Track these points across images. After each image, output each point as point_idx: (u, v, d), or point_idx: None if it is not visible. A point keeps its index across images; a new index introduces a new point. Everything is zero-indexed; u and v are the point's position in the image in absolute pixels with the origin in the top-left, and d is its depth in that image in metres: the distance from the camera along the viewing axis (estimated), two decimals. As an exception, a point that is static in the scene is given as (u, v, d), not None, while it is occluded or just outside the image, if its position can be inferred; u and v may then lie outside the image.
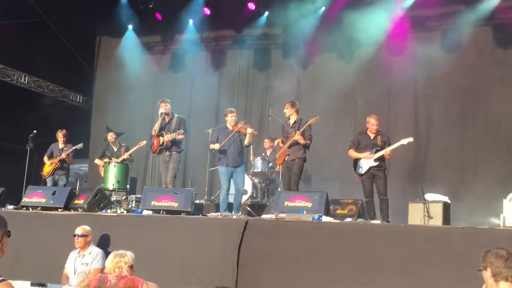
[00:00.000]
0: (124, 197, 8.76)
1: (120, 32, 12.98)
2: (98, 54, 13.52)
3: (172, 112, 8.85)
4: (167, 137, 8.38)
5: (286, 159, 7.85)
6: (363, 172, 7.67)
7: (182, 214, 6.88)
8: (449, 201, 7.74)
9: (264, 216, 6.46)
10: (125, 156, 9.42)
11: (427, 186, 9.90)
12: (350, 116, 11.05)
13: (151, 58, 12.98)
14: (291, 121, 8.03)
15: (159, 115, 8.57)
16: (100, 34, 13.48)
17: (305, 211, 6.18)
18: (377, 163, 7.57)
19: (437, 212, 7.50)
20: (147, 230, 6.37)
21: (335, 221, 6.08)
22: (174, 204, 7.01)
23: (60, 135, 9.92)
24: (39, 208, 7.74)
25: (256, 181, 9.67)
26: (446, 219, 7.52)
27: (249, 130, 8.15)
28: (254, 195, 9.65)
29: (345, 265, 5.19)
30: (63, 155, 9.65)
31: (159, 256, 5.84)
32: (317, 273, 5.29)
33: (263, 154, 10.29)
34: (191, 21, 12.44)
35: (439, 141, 10.18)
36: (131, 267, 4.38)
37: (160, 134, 8.53)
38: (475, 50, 10.10)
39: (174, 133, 8.39)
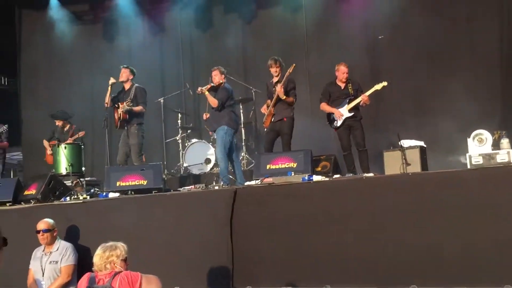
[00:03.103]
0: (75, 182, 7.93)
1: (42, 2, 11.74)
2: (19, 29, 12.23)
3: (131, 81, 7.99)
4: (121, 109, 7.56)
5: (272, 120, 7.27)
6: (338, 125, 7.28)
7: (153, 192, 6.21)
8: (425, 145, 7.52)
9: (247, 183, 5.92)
10: (70, 141, 8.50)
11: (391, 132, 9.82)
12: (303, 68, 10.59)
13: (81, 29, 11.88)
14: (275, 80, 7.44)
15: (110, 86, 7.69)
16: (19, 7, 12.17)
17: (293, 173, 5.69)
18: (352, 113, 7.19)
19: (414, 158, 7.23)
20: (119, 214, 5.67)
21: (327, 179, 5.63)
22: (143, 182, 6.31)
23: None
24: (-17, 204, 6.82)
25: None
26: (424, 164, 7.29)
27: (198, 90, 7.50)
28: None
29: (351, 224, 4.77)
30: None
31: (141, 242, 5.18)
32: (320, 236, 4.85)
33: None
34: (121, -16, 11.42)
35: (397, 86, 9.91)
36: (124, 260, 3.73)
37: (118, 106, 7.71)
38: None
39: (126, 104, 7.60)
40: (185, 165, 9.21)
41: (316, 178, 5.51)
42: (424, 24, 9.73)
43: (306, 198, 5.04)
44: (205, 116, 7.60)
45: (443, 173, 5.07)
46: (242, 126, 9.29)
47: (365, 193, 4.86)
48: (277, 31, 10.71)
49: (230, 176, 7.13)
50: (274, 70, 7.37)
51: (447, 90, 9.51)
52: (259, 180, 5.73)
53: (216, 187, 5.96)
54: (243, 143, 9.18)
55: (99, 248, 3.73)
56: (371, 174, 6.04)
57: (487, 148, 7.56)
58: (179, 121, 9.80)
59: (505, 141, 7.58)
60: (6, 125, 8.65)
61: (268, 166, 6.00)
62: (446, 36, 9.62)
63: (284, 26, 10.64)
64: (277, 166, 5.95)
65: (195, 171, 9.03)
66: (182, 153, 9.34)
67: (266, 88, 7.74)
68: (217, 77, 7.52)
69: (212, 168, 8.92)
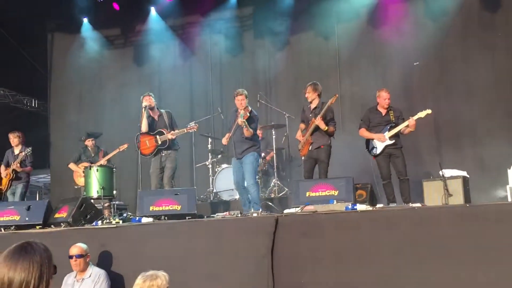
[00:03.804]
0: (106, 204, 7.76)
1: (74, 27, 11.84)
2: (51, 53, 12.31)
3: (157, 107, 7.87)
4: (170, 135, 7.43)
5: (310, 148, 7.05)
6: (378, 152, 7.01)
7: (187, 217, 6.00)
8: (468, 176, 7.19)
9: (287, 210, 5.66)
10: (103, 161, 8.43)
11: (427, 162, 9.50)
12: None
13: (112, 53, 11.92)
14: (312, 106, 7.22)
15: (143, 109, 7.55)
16: (51, 31, 12.27)
17: (335, 201, 5.43)
18: (393, 141, 6.93)
19: (456, 188, 6.89)
20: (153, 241, 5.45)
21: (371, 208, 5.35)
22: (177, 207, 6.11)
23: (12, 137, 8.70)
24: (13, 227, 6.65)
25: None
26: (467, 195, 6.95)
27: (239, 121, 7.12)
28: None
29: (404, 257, 4.47)
30: (14, 166, 8.47)
31: (177, 270, 4.90)
32: (370, 270, 4.55)
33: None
34: (153, 9, 11.46)
35: (433, 114, 9.64)
36: (167, 291, 3.50)
37: (156, 132, 7.56)
38: (463, 17, 9.60)
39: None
40: (215, 190, 9.00)
41: (360, 207, 5.24)
42: (461, 52, 9.52)
43: (353, 229, 4.76)
44: (226, 140, 7.33)
45: (505, 205, 4.75)
46: (274, 152, 9.07)
47: (419, 225, 4.56)
48: (309, 57, 10.60)
49: (270, 203, 6.87)
50: (308, 96, 7.17)
51: (485, 119, 9.23)
52: (300, 208, 5.47)
53: (255, 214, 5.70)
54: (274, 170, 8.94)
55: (139, 277, 3.52)
56: (418, 205, 5.73)
57: (529, 180, 7.25)
58: (209, 145, 9.64)
59: (547, 173, 7.26)
60: (30, 148, 8.58)
61: (307, 194, 5.77)
62: (484, 65, 9.37)
63: (316, 52, 10.53)
64: (317, 194, 5.71)
65: (225, 197, 8.82)
66: (212, 179, 9.14)
67: (302, 111, 7.51)
68: (244, 102, 7.30)
69: (242, 195, 8.68)
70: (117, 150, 8.42)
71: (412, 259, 4.42)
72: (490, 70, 9.32)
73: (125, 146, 8.36)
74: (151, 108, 7.68)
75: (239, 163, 7.25)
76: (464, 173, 7.19)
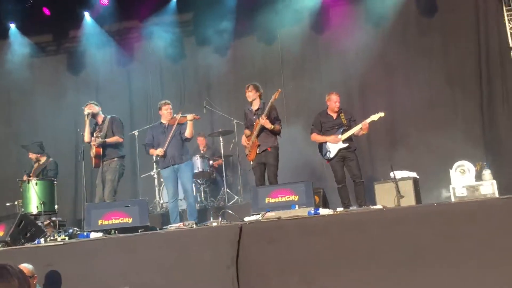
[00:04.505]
0: (47, 222, 7.20)
1: (1, 32, 11.08)
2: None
3: (102, 113, 7.42)
4: (93, 143, 7.01)
5: (257, 151, 6.84)
6: (331, 156, 6.93)
7: (139, 230, 5.64)
8: (417, 176, 7.28)
9: (247, 218, 5.43)
10: (32, 176, 7.77)
11: (374, 164, 9.58)
12: (280, 98, 10.30)
13: (44, 60, 11.25)
14: (254, 108, 7.03)
15: (86, 117, 7.10)
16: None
17: (296, 206, 5.27)
18: (346, 144, 6.88)
19: (407, 189, 7.00)
20: (105, 257, 5.06)
21: (333, 212, 5.22)
22: (128, 220, 5.75)
23: None
24: None
25: (199, 182, 8.55)
26: (418, 196, 7.05)
27: (189, 117, 6.99)
28: (198, 199, 8.53)
29: (376, 262, 4.34)
30: None
31: (134, 288, 4.59)
32: (341, 277, 4.40)
33: (202, 151, 9.19)
34: (87, 14, 10.93)
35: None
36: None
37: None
38: (402, 22, 9.79)
39: (95, 137, 7.08)
40: (161, 201, 8.63)
41: (323, 211, 5.10)
42: (402, 56, 9.68)
43: (320, 233, 4.60)
44: (162, 152, 7.04)
45: (473, 203, 4.75)
46: (222, 159, 8.84)
47: (386, 227, 4.47)
48: (252, 61, 10.49)
49: (230, 211, 6.60)
50: (248, 95, 6.99)
51: (427, 121, 9.43)
52: (260, 215, 5.27)
53: (215, 224, 5.43)
54: (223, 178, 8.69)
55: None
56: (379, 207, 5.68)
57: (470, 180, 7.42)
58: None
59: (487, 172, 7.47)
60: None
61: (267, 200, 5.58)
62: (425, 68, 9.59)
63: (259, 56, 10.44)
64: (277, 200, 5.54)
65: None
66: (159, 189, 8.76)
67: (245, 116, 7.32)
68: (171, 112, 7.32)
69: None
70: (37, 165, 7.85)
71: (382, 262, 4.32)
72: (430, 73, 9.54)
73: (43, 160, 7.86)
74: (94, 115, 7.25)
75: (174, 172, 7.03)
76: (414, 174, 7.28)
